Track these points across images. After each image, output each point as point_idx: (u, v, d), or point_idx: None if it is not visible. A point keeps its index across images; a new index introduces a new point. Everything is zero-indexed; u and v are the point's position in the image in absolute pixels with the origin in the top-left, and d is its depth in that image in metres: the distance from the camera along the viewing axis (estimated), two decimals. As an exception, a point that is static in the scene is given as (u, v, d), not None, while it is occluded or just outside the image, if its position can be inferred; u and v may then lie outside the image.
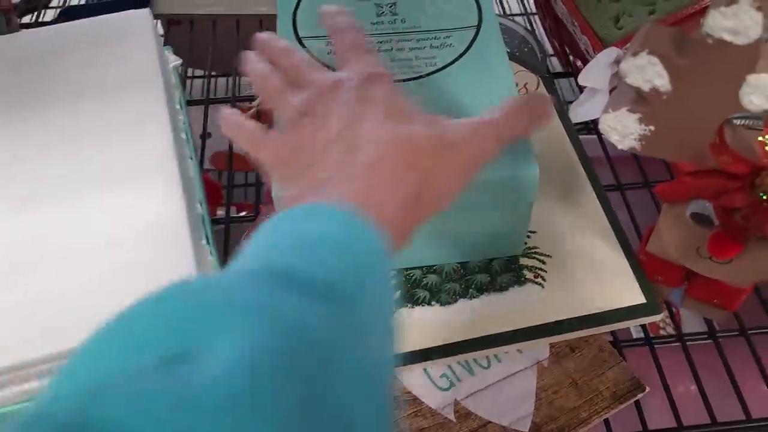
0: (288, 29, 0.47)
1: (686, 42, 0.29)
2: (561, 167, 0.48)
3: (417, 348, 0.40)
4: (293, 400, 0.17)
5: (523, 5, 0.69)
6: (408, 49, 0.45)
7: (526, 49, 0.56)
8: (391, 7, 0.48)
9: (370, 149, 0.29)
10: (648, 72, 0.30)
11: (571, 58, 0.59)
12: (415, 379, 0.41)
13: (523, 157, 0.38)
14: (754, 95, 0.29)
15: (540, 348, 0.42)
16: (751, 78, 0.28)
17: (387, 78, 0.33)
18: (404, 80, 0.43)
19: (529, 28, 0.63)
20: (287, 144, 0.32)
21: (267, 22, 0.63)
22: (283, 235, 0.25)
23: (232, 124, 0.35)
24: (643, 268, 0.42)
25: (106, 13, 0.50)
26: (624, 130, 0.33)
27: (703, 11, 0.29)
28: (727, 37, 0.27)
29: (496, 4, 0.70)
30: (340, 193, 0.28)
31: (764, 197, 0.31)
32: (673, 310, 0.53)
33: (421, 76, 0.43)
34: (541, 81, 0.52)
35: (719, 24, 0.27)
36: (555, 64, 0.64)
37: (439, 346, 0.40)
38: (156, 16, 0.62)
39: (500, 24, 0.59)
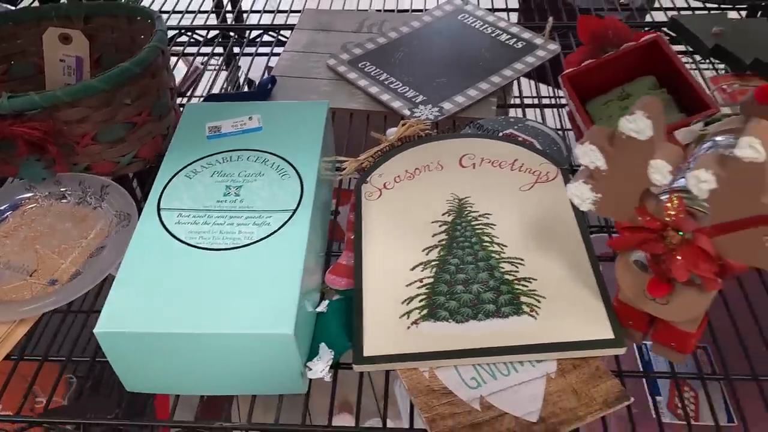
0: (154, 199, 0.61)
1: (614, 136, 0.44)
2: (563, 235, 0.61)
3: (434, 350, 0.54)
4: None
5: (561, 121, 0.85)
6: (236, 224, 0.58)
7: (555, 148, 0.72)
8: (237, 189, 0.61)
9: None
10: (591, 156, 0.45)
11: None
12: (450, 379, 0.52)
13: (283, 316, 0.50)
14: (656, 174, 0.43)
15: (549, 363, 0.53)
16: (651, 162, 0.43)
17: None
18: (224, 249, 0.56)
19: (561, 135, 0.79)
20: None
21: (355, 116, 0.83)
22: None
23: None
24: (617, 314, 0.54)
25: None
26: (582, 195, 0.48)
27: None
28: (633, 135, 0.42)
29: (552, 118, 0.86)
30: None
31: (670, 246, 0.44)
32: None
33: (237, 247, 0.56)
34: (560, 171, 0.67)
35: (626, 126, 0.42)
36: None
37: (450, 350, 0.53)
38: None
39: (536, 128, 0.75)
